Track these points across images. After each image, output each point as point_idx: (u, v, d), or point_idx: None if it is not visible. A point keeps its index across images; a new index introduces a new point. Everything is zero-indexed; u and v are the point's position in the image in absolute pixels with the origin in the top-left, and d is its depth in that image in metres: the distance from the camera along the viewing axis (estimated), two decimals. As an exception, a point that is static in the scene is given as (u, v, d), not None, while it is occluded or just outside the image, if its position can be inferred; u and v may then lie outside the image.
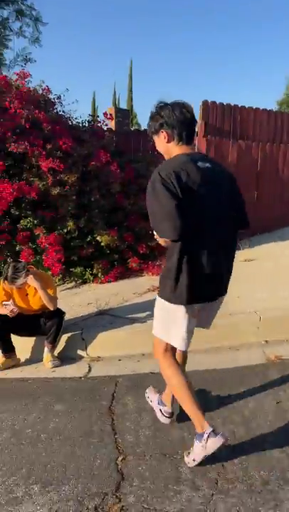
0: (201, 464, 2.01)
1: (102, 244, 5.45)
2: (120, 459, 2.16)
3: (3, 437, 2.44)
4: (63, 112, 6.06)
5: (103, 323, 3.91)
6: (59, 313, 3.58)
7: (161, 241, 2.03)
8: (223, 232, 2.07)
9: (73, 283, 5.49)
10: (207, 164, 2.03)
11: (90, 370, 3.32)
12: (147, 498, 1.87)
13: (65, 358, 3.56)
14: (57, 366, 3.44)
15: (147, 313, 3.97)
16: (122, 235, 5.57)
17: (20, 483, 2.04)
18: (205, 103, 6.73)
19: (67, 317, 3.76)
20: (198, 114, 6.79)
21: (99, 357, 3.56)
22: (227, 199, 2.09)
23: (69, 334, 3.73)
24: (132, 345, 3.61)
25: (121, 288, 5.05)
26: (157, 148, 2.18)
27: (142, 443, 2.28)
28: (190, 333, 2.11)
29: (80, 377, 3.19)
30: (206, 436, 1.94)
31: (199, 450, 1.97)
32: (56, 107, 5.91)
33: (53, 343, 3.53)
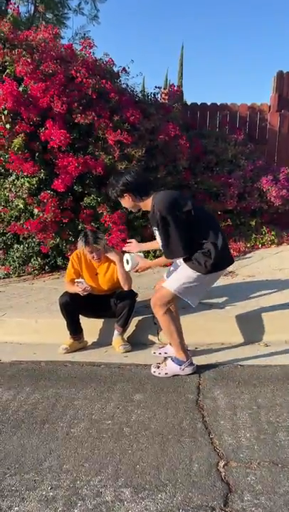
0: None
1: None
2: (222, 464, 1.83)
3: (81, 428, 2.17)
4: (127, 84, 5.73)
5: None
6: (131, 295, 3.29)
7: None
8: None
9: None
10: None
11: (165, 358, 3.01)
12: (266, 518, 1.53)
13: (136, 343, 3.27)
14: (128, 351, 3.16)
15: (225, 298, 3.60)
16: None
17: (107, 484, 1.76)
18: (279, 74, 6.19)
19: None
20: (271, 86, 6.25)
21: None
22: None
23: (139, 318, 3.43)
24: (210, 333, 3.27)
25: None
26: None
27: (244, 447, 1.93)
28: None
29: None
30: (186, 363, 2.68)
31: (175, 369, 2.68)
32: (121, 79, 5.59)
33: (124, 327, 3.26)
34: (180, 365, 2.69)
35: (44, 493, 1.73)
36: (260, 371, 2.57)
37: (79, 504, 1.66)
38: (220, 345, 3.15)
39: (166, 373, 2.70)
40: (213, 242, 2.53)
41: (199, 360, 2.84)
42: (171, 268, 2.93)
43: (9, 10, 5.58)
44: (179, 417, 2.22)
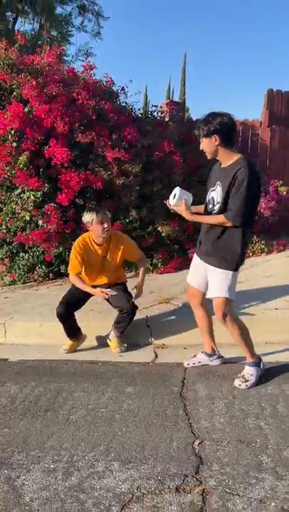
0: (281, 453, 1.98)
1: (163, 234, 5.47)
2: (197, 443, 2.16)
3: (79, 415, 2.51)
4: (126, 103, 6.13)
5: (167, 312, 3.92)
6: (133, 309, 3.50)
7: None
8: None
9: (133, 272, 5.53)
10: None
11: (156, 357, 3.34)
12: (229, 483, 1.86)
13: (130, 344, 3.59)
14: (123, 352, 3.49)
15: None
16: (183, 226, 5.54)
17: (100, 459, 2.09)
18: (270, 92, 6.54)
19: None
20: (262, 103, 6.62)
21: (164, 344, 3.58)
22: None
23: (133, 320, 3.77)
24: (197, 335, 3.59)
25: (181, 278, 5.01)
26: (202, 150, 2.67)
27: (217, 429, 2.26)
28: None
29: (148, 363, 3.22)
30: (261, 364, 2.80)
31: (257, 372, 2.75)
32: (120, 98, 5.98)
33: (122, 332, 3.55)
34: (259, 366, 2.79)
35: (46, 465, 2.06)
36: (239, 367, 2.88)
37: (75, 474, 1.99)
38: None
39: (252, 383, 2.71)
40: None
41: (187, 358, 3.17)
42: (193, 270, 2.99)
43: (17, 39, 5.97)
44: (163, 405, 2.55)
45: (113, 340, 3.54)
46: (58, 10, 11.46)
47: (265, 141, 6.58)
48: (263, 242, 5.77)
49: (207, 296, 2.86)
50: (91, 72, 5.63)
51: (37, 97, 4.93)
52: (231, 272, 2.67)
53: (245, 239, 2.67)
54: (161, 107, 6.37)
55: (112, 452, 2.13)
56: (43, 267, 5.50)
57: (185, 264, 5.57)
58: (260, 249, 5.72)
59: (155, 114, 6.20)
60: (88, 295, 3.54)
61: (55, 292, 4.98)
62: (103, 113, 5.23)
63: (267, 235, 6.04)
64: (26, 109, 4.97)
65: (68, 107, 5.02)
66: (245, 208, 2.51)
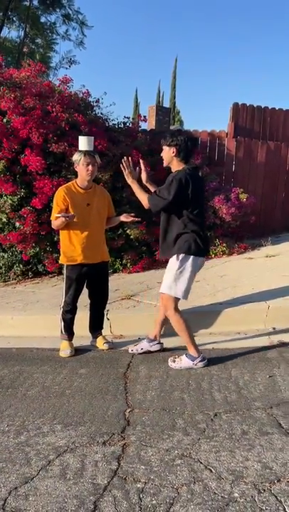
0: (193, 417, 2.44)
1: (132, 237, 5.91)
2: (128, 411, 2.61)
3: (35, 391, 2.94)
4: (101, 113, 6.57)
5: (127, 306, 4.37)
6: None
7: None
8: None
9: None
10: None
11: (112, 345, 3.78)
12: (146, 438, 2.31)
13: (86, 334, 3.99)
14: (111, 348, 3.65)
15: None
16: (151, 229, 5.99)
17: (46, 423, 2.53)
18: (235, 105, 7.03)
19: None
20: (228, 115, 7.11)
21: (121, 335, 4.02)
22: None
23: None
24: (151, 327, 4.03)
25: (147, 277, 5.49)
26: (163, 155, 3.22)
27: (147, 400, 2.72)
28: None
29: (103, 350, 3.66)
30: (198, 359, 3.13)
31: (188, 364, 3.13)
32: (95, 109, 6.42)
33: (102, 329, 3.84)
34: (193, 361, 3.14)
35: (1, 428, 2.49)
36: (177, 352, 3.34)
37: (24, 433, 2.43)
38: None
39: (180, 367, 3.15)
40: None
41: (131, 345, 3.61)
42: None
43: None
44: (108, 383, 2.99)
45: (99, 339, 3.75)
46: (43, 18, 11.85)
47: (231, 151, 7.06)
48: (224, 244, 6.25)
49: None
50: (67, 85, 6.07)
51: (14, 109, 5.35)
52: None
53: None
54: (133, 118, 6.83)
55: (58, 418, 2.57)
56: (21, 266, 5.91)
57: (152, 264, 6.03)
58: (222, 251, 6.19)
59: (128, 125, 6.64)
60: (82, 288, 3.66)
61: (30, 290, 5.42)
62: (76, 124, 5.66)
63: (231, 239, 6.52)
64: (4, 120, 5.39)
65: (43, 119, 5.45)
66: (164, 199, 3.01)
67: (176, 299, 3.18)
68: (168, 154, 3.16)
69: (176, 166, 3.16)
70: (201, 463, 2.08)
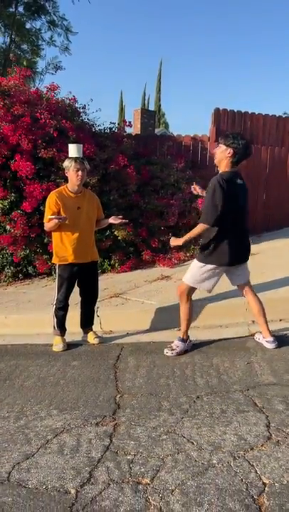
0: (177, 400, 2.69)
1: (119, 238, 6.15)
2: (118, 396, 2.85)
3: (31, 382, 3.17)
4: (88, 119, 6.81)
5: (116, 304, 4.61)
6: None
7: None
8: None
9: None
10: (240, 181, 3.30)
11: (102, 339, 4.02)
12: (135, 418, 2.55)
13: (78, 330, 4.22)
14: (101, 342, 3.88)
15: (154, 296, 4.64)
16: (137, 231, 6.25)
17: (43, 409, 2.75)
18: (216, 110, 7.32)
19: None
20: (210, 120, 7.40)
21: (111, 330, 4.26)
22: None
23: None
24: (138, 322, 4.29)
25: (134, 277, 5.74)
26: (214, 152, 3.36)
27: (136, 387, 2.96)
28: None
29: (94, 344, 3.89)
30: (188, 341, 3.52)
31: (182, 346, 3.46)
32: (81, 115, 6.65)
33: (92, 325, 4.07)
34: (184, 343, 3.50)
35: (2, 415, 2.71)
36: (164, 344, 3.59)
37: (24, 418, 2.65)
38: (145, 331, 4.16)
39: (177, 352, 3.44)
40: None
41: (126, 340, 3.86)
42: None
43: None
44: (99, 373, 3.23)
45: (90, 334, 3.97)
46: (28, 24, 12.03)
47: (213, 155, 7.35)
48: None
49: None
50: (54, 92, 6.30)
51: (3, 116, 5.55)
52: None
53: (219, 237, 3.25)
54: (118, 123, 7.08)
55: (54, 404, 2.80)
56: (12, 268, 6.10)
57: (139, 264, 6.28)
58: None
59: (114, 130, 6.88)
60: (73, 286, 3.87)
61: (21, 290, 5.62)
62: (64, 130, 5.88)
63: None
64: (-6, 127, 5.58)
65: (32, 126, 5.66)
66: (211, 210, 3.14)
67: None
68: (223, 153, 3.21)
69: (225, 167, 3.24)
70: (184, 437, 2.33)
